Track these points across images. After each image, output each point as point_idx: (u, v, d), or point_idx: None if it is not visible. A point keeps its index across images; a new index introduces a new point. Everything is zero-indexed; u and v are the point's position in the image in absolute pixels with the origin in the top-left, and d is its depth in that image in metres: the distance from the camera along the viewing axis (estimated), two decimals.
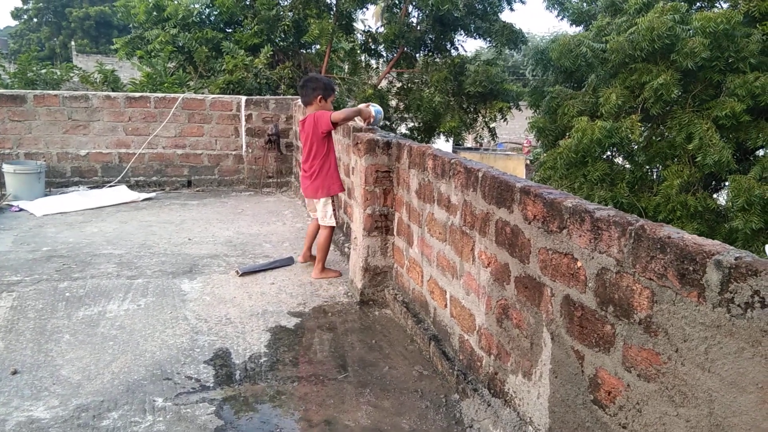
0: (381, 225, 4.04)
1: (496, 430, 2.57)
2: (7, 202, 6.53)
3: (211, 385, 3.00)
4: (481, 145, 23.35)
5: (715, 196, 10.75)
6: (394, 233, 4.04)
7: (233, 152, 7.82)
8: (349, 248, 4.63)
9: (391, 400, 2.92)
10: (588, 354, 2.05)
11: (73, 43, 35.82)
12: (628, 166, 10.78)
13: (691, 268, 1.59)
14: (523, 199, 2.41)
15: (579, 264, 2.07)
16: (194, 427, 2.65)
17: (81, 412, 2.73)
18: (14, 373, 3.05)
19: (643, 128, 10.05)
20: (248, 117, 7.67)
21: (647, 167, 10.73)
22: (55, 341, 3.40)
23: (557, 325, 2.21)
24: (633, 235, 1.81)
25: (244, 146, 7.76)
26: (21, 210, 6.33)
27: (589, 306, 2.03)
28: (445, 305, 3.24)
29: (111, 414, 2.73)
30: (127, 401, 2.83)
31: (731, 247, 1.55)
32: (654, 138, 10.30)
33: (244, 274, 4.54)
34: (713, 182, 10.95)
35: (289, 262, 4.84)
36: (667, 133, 10.08)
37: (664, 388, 1.72)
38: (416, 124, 11.44)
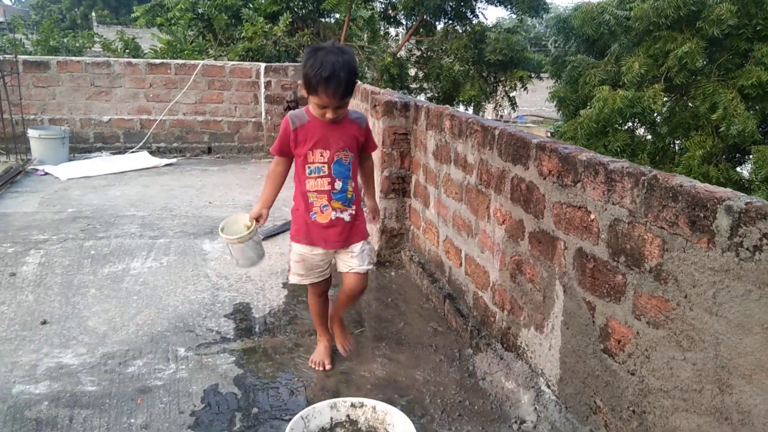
0: (398, 187, 4.08)
1: (508, 382, 2.63)
2: (32, 167, 6.67)
3: (232, 337, 3.09)
4: (501, 117, 23.15)
5: (738, 169, 10.58)
6: (411, 195, 4.08)
7: (252, 119, 7.87)
8: (367, 212, 4.68)
9: (405, 353, 2.99)
10: (599, 304, 2.08)
11: (93, 14, 35.87)
12: (649, 137, 10.64)
13: (701, 215, 1.61)
14: (538, 155, 2.43)
15: (592, 216, 2.10)
16: (215, 374, 2.74)
17: (107, 360, 2.85)
18: (43, 323, 3.18)
19: (666, 98, 9.89)
20: (267, 84, 7.69)
21: (669, 138, 10.57)
22: (81, 295, 3.52)
23: (570, 278, 2.25)
24: (646, 184, 1.83)
25: (263, 113, 7.80)
26: (46, 174, 6.47)
27: (601, 257, 2.06)
28: (460, 264, 3.28)
29: (136, 362, 2.84)
30: (151, 350, 2.94)
31: (742, 194, 1.56)
32: (677, 108, 10.13)
33: (265, 238, 4.61)
34: (737, 154, 10.77)
35: None
36: (690, 104, 9.91)
37: (672, 334, 1.75)
38: (435, 94, 11.37)
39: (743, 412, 1.53)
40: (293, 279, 2.74)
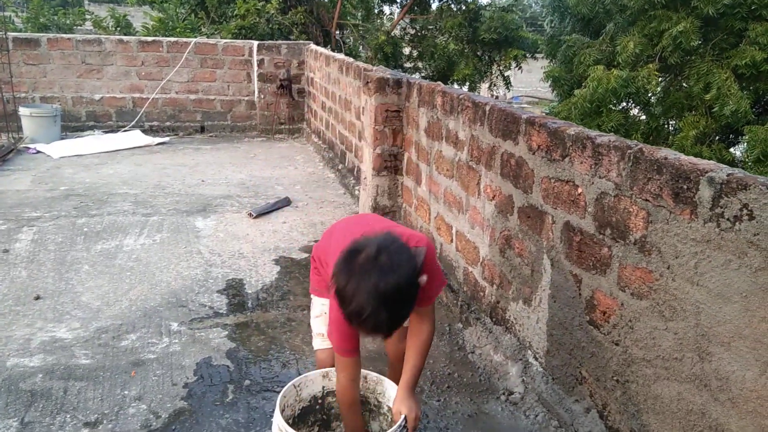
0: (390, 165, 4.08)
1: (497, 354, 2.68)
2: (24, 145, 6.63)
3: (224, 312, 3.12)
4: (496, 97, 23.07)
5: (731, 150, 10.60)
6: (403, 173, 4.09)
7: (245, 98, 7.83)
8: (359, 190, 4.69)
9: None
10: (585, 277, 2.12)
11: None
12: (643, 117, 10.64)
13: (685, 187, 1.64)
14: (528, 130, 2.44)
15: (579, 190, 2.12)
16: (208, 348, 2.78)
17: (101, 334, 2.87)
18: (37, 298, 3.19)
19: (660, 78, 9.87)
20: (260, 62, 7.64)
21: (663, 118, 10.58)
22: (74, 271, 3.53)
23: (557, 251, 2.28)
24: (632, 158, 1.85)
25: (256, 92, 7.76)
26: (38, 152, 6.44)
27: (587, 230, 2.09)
28: (451, 240, 3.31)
29: (129, 336, 2.86)
30: (144, 325, 2.96)
31: (724, 165, 1.59)
32: (671, 88, 10.12)
33: (258, 216, 4.63)
34: (730, 135, 10.79)
35: (286, 202, 4.94)
36: (684, 84, 9.90)
37: (655, 304, 1.79)
38: (429, 73, 11.33)
39: (721, 378, 1.57)
40: (316, 342, 2.16)
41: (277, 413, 1.77)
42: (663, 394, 1.78)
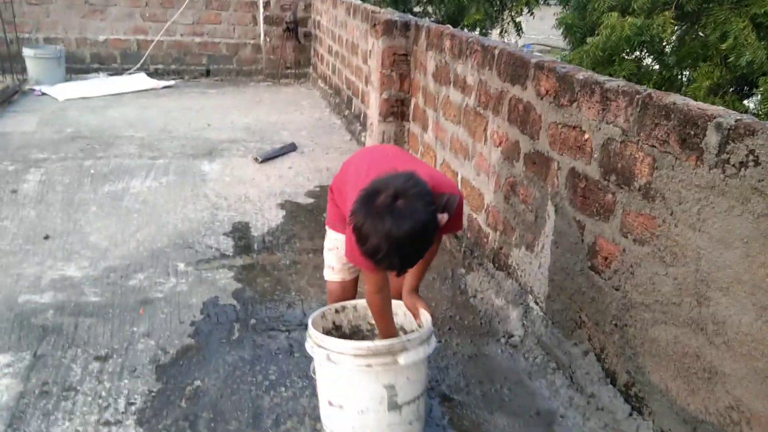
0: (397, 111, 4.05)
1: (498, 299, 2.72)
2: (29, 87, 6.59)
3: (231, 254, 3.16)
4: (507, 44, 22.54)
5: (745, 102, 10.42)
6: (410, 119, 4.06)
7: (251, 41, 7.71)
8: (366, 137, 4.67)
9: None
10: (588, 223, 2.12)
11: None
12: (656, 67, 10.43)
13: (692, 132, 1.62)
14: (536, 75, 2.41)
15: (586, 136, 2.10)
16: (214, 288, 2.83)
17: (110, 273, 2.93)
18: (46, 238, 3.24)
19: (676, 26, 9.61)
20: (266, 4, 7.47)
21: (677, 68, 10.36)
22: (82, 212, 3.57)
23: (561, 198, 2.28)
24: (640, 103, 1.83)
25: (262, 35, 7.62)
26: (43, 94, 6.40)
27: (592, 177, 2.09)
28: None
29: (137, 275, 2.92)
30: (151, 265, 3.01)
31: (733, 111, 1.57)
32: (687, 37, 9.87)
33: (264, 161, 4.62)
34: (744, 86, 10.58)
35: (292, 147, 4.93)
36: (701, 33, 9.65)
37: (656, 250, 1.80)
38: (439, 18, 11.05)
39: (718, 322, 1.60)
40: (326, 273, 2.21)
41: (311, 329, 1.87)
42: (660, 338, 1.81)
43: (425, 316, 2.00)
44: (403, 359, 1.76)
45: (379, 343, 1.78)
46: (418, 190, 1.58)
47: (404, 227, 1.52)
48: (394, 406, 1.82)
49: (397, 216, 1.52)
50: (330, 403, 1.87)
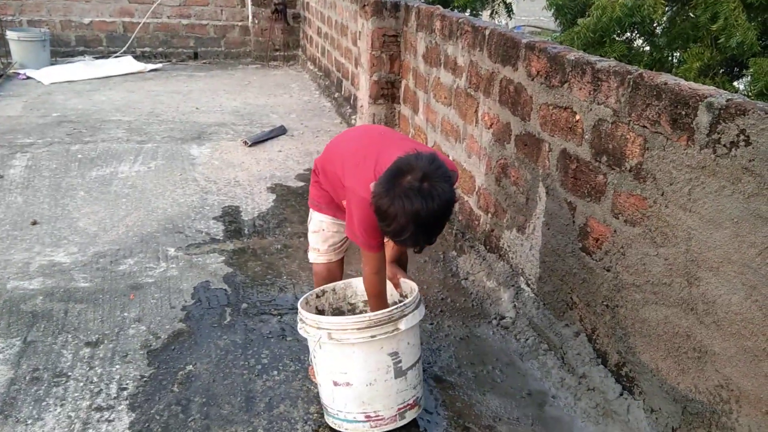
0: (387, 93, 4.02)
1: (490, 281, 2.72)
2: (14, 70, 6.49)
3: (221, 238, 3.15)
4: None
5: (735, 83, 10.45)
6: (401, 101, 4.03)
7: (239, 23, 7.61)
8: (356, 119, 4.64)
9: None
10: (580, 204, 2.12)
11: None
12: (647, 48, 10.42)
13: (683, 112, 1.62)
14: (527, 55, 2.39)
15: (577, 117, 2.10)
16: (205, 273, 2.82)
17: (99, 258, 2.90)
18: (34, 223, 3.21)
19: (667, 7, 9.58)
20: None
21: (667, 50, 10.34)
22: (70, 197, 3.53)
23: (553, 179, 2.27)
24: (631, 83, 1.82)
25: (250, 17, 7.53)
26: (28, 78, 6.31)
27: (584, 158, 2.08)
28: None
29: (127, 260, 2.90)
30: (141, 250, 2.99)
31: (724, 91, 1.56)
32: (677, 19, 9.85)
33: (253, 144, 4.59)
34: (734, 67, 10.60)
35: (281, 130, 4.90)
36: (691, 14, 9.63)
37: (647, 231, 1.80)
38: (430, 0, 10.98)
39: (708, 302, 1.60)
40: (311, 256, 2.19)
41: (304, 313, 1.87)
42: (650, 318, 1.82)
43: (408, 283, 2.03)
44: (403, 324, 1.79)
45: (379, 313, 1.79)
46: (443, 172, 1.63)
47: (433, 208, 1.58)
48: (399, 372, 1.84)
49: (427, 197, 1.57)
50: (335, 383, 1.85)
